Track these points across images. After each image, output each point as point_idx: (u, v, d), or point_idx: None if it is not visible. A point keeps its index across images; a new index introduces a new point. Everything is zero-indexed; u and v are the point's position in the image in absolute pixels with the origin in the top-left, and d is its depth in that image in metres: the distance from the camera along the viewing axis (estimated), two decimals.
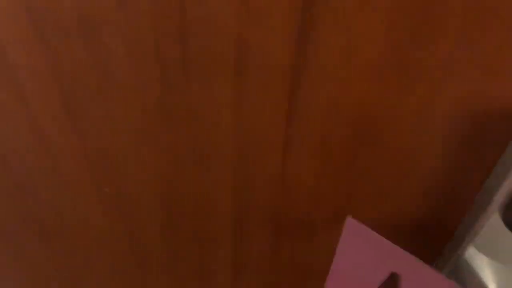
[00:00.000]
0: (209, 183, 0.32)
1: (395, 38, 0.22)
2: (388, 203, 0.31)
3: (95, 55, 0.25)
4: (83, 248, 0.44)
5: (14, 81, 0.28)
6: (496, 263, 0.30)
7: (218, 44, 0.23)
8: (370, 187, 0.31)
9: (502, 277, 0.31)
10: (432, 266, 0.35)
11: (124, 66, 0.26)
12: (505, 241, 0.28)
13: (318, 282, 0.41)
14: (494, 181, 0.27)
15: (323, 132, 0.27)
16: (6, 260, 0.45)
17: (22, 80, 0.28)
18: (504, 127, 0.24)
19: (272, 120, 0.27)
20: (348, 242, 0.28)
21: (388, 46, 0.22)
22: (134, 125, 0.29)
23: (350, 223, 0.27)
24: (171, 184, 0.34)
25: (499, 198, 0.26)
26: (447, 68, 0.22)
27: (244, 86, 0.25)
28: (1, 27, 0.25)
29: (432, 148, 0.27)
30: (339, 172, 0.30)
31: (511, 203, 0.26)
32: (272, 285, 0.42)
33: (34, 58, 0.26)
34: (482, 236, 0.29)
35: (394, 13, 0.21)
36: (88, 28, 0.24)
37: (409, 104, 0.25)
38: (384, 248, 0.26)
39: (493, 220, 0.27)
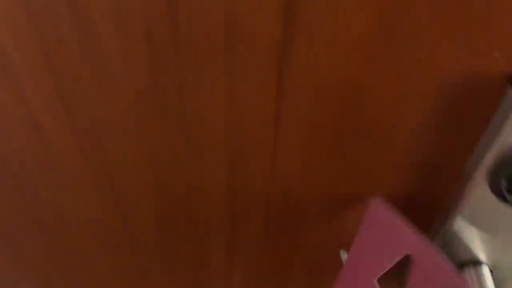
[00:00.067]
0: (202, 168, 0.33)
1: (382, 6, 0.23)
2: (376, 178, 0.33)
3: (84, 36, 0.26)
4: (83, 248, 0.44)
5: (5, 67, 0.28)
6: (485, 234, 0.31)
7: (207, 23, 0.24)
8: (357, 164, 0.32)
9: (492, 247, 0.33)
10: None
11: (115, 52, 0.27)
12: (493, 210, 0.29)
13: (312, 264, 0.42)
14: (481, 149, 0.27)
15: (311, 108, 0.28)
16: (6, 260, 0.45)
17: (13, 63, 0.29)
18: (491, 94, 0.25)
19: (263, 97, 0.28)
20: (371, 222, 0.29)
21: (375, 16, 0.23)
22: (127, 110, 0.30)
23: (375, 202, 0.29)
24: (165, 172, 0.34)
25: (486, 165, 0.27)
26: (433, 36, 0.24)
27: (234, 64, 0.26)
28: None
29: (419, 119, 0.27)
30: (327, 149, 0.31)
31: (499, 170, 0.27)
32: (266, 270, 0.43)
33: (23, 40, 0.27)
34: (470, 206, 0.30)
35: None
36: (78, 9, 0.25)
37: (397, 74, 0.26)
38: (404, 230, 0.28)
39: (481, 188, 0.28)
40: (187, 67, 0.27)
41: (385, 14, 0.23)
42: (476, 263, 0.33)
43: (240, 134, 0.31)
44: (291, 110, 0.29)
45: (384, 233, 0.30)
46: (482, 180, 0.28)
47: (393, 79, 0.26)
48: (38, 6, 0.25)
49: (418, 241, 0.28)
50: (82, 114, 0.31)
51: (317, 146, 0.31)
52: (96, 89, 0.29)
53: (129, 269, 0.45)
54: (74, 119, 0.31)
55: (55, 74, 0.28)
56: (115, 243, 0.42)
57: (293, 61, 0.26)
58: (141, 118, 0.31)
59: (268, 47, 0.25)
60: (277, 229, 0.38)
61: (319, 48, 0.25)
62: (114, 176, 0.35)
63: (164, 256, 0.43)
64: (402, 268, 0.32)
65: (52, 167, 0.36)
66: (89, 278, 0.48)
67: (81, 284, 0.50)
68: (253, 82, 0.27)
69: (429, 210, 0.34)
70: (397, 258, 0.29)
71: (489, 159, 0.27)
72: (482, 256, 0.33)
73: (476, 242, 0.32)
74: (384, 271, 0.30)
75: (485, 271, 0.33)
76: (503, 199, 0.28)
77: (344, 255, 0.34)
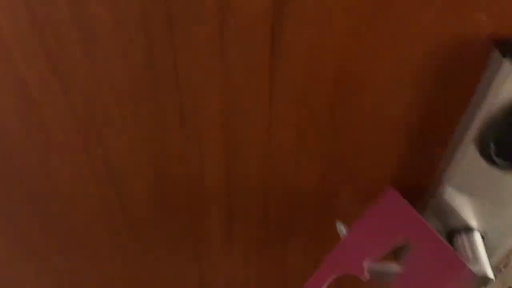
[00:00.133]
0: (197, 145, 0.34)
1: None
2: (368, 152, 0.33)
3: (80, 16, 0.26)
4: (81, 226, 0.45)
5: None
6: (475, 200, 0.32)
7: None
8: (350, 139, 0.32)
9: (483, 212, 0.33)
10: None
11: (108, 27, 0.27)
12: (483, 175, 0.29)
13: (309, 236, 0.42)
14: (469, 114, 0.27)
15: (305, 82, 0.28)
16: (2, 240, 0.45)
17: (7, 42, 0.29)
18: (478, 58, 0.25)
19: (256, 71, 0.28)
20: (379, 210, 0.30)
21: None
22: (120, 86, 0.30)
23: (388, 192, 0.30)
24: (161, 150, 0.35)
25: (474, 130, 0.27)
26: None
27: (228, 38, 0.27)
28: None
29: (408, 87, 0.27)
30: (320, 125, 0.31)
31: (487, 134, 0.27)
32: (265, 244, 0.44)
33: (18, 21, 0.27)
34: (459, 173, 0.30)
35: None
36: None
37: (385, 41, 0.26)
38: (409, 219, 0.29)
39: (469, 154, 0.28)
40: (181, 43, 0.27)
41: None
42: (468, 230, 0.34)
43: (235, 112, 0.31)
44: (285, 84, 0.29)
45: (390, 216, 0.31)
46: (470, 145, 0.28)
47: (381, 47, 0.26)
48: None
49: (420, 225, 0.29)
50: (75, 90, 0.31)
51: (311, 123, 0.31)
52: (88, 66, 0.29)
53: (128, 245, 0.46)
54: (67, 93, 0.31)
55: (47, 47, 0.28)
56: (112, 220, 0.42)
57: (285, 32, 0.26)
58: (136, 98, 0.31)
59: (261, 17, 0.25)
60: (274, 204, 0.39)
61: (310, 20, 0.25)
62: (108, 151, 0.35)
63: (162, 232, 0.43)
64: (399, 252, 0.33)
65: (46, 142, 0.36)
66: (88, 255, 0.49)
67: (81, 261, 0.51)
68: (247, 57, 0.27)
69: (420, 181, 0.35)
70: (397, 240, 0.30)
71: (477, 124, 0.27)
72: (473, 222, 0.34)
73: (466, 209, 0.33)
74: (385, 251, 0.31)
75: (477, 237, 0.34)
76: (492, 162, 0.28)
77: (340, 226, 0.35)
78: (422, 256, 0.28)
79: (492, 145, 0.27)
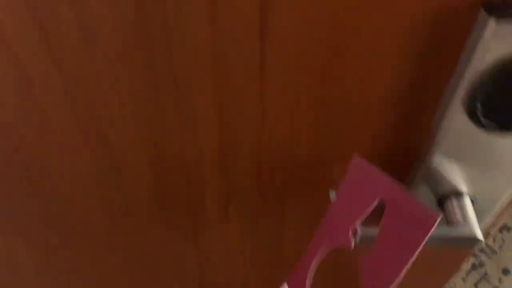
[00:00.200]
0: (192, 114, 0.34)
1: None
2: (359, 119, 0.33)
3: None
4: (78, 206, 0.45)
5: None
6: (464, 164, 0.32)
7: None
8: (341, 105, 0.32)
9: (472, 176, 0.34)
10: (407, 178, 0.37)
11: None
12: (471, 138, 0.29)
13: (305, 207, 0.43)
14: (456, 77, 0.27)
15: (296, 46, 0.28)
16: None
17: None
18: (465, 20, 0.25)
19: (247, 36, 0.28)
20: (351, 179, 0.31)
21: None
22: (111, 50, 0.30)
23: (356, 160, 0.31)
24: (156, 120, 0.35)
25: (461, 93, 0.27)
26: None
27: (219, 6, 0.27)
28: None
29: (396, 52, 0.27)
30: (312, 90, 0.31)
31: (474, 96, 0.27)
32: (261, 218, 0.44)
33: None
34: (447, 138, 0.30)
35: None
36: None
37: (373, 6, 0.26)
38: (381, 182, 0.30)
39: (457, 117, 0.29)
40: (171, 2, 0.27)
41: None
42: (458, 194, 0.35)
43: (227, 74, 0.31)
44: (276, 48, 0.29)
45: (362, 182, 0.32)
46: (459, 109, 0.29)
47: (369, 10, 0.26)
48: None
49: (391, 186, 0.30)
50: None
51: (303, 87, 0.31)
52: (77, 31, 0.29)
53: (125, 221, 0.46)
54: (61, 68, 0.31)
55: (35, 13, 0.28)
56: (109, 195, 0.42)
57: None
58: (129, 65, 0.31)
59: None
60: (269, 175, 0.39)
61: None
62: (102, 123, 0.35)
63: (159, 207, 0.44)
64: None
65: (42, 122, 0.36)
66: (86, 233, 0.49)
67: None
68: (237, 22, 0.27)
69: (410, 148, 0.35)
70: (373, 203, 0.30)
71: (464, 85, 0.27)
72: (462, 187, 0.34)
73: (456, 174, 0.33)
74: (364, 216, 0.32)
75: (467, 201, 0.34)
76: (480, 124, 0.28)
77: (334, 196, 0.35)
78: (396, 215, 0.29)
79: (479, 106, 0.27)
